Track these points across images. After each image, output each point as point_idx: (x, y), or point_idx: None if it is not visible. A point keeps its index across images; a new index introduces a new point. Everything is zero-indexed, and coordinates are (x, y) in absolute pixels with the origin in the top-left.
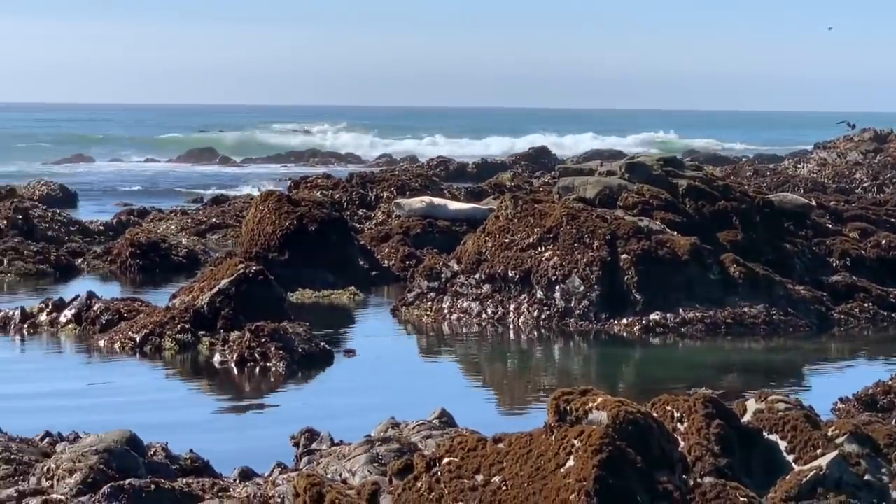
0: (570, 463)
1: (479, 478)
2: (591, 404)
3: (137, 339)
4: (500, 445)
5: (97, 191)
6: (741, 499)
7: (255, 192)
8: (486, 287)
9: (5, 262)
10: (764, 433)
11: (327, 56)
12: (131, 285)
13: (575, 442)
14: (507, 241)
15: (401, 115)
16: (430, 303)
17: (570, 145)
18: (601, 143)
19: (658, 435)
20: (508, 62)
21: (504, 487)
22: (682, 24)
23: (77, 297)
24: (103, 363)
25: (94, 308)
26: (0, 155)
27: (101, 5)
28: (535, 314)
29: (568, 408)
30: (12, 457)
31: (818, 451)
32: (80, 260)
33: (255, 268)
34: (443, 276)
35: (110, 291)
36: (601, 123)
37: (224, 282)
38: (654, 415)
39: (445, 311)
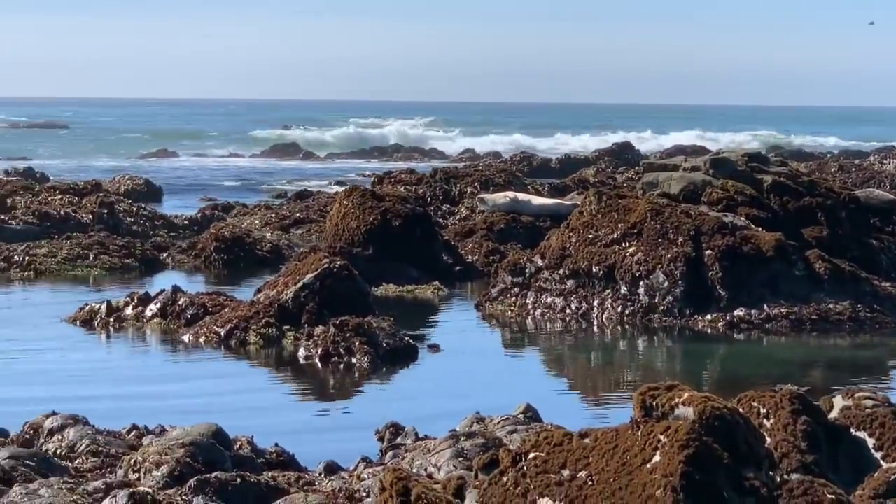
0: (657, 458)
1: (566, 473)
2: (677, 400)
3: (222, 334)
4: (586, 440)
5: (182, 186)
6: (829, 496)
7: (339, 188)
8: (570, 283)
9: (91, 256)
10: (851, 430)
11: (408, 51)
12: (216, 280)
13: (661, 437)
14: (590, 236)
15: (483, 110)
16: (513, 298)
17: (662, 141)
18: (707, 140)
19: (745, 431)
20: (594, 57)
21: (590, 482)
22: (767, 19)
23: (162, 291)
24: (188, 357)
25: (180, 302)
26: (87, 149)
27: (193, 2)
28: (619, 310)
29: (654, 403)
30: (100, 449)
31: None
32: (164, 254)
33: (339, 263)
34: (527, 271)
35: (195, 286)
36: (691, 120)
37: (309, 276)
38: (741, 411)
39: (529, 306)
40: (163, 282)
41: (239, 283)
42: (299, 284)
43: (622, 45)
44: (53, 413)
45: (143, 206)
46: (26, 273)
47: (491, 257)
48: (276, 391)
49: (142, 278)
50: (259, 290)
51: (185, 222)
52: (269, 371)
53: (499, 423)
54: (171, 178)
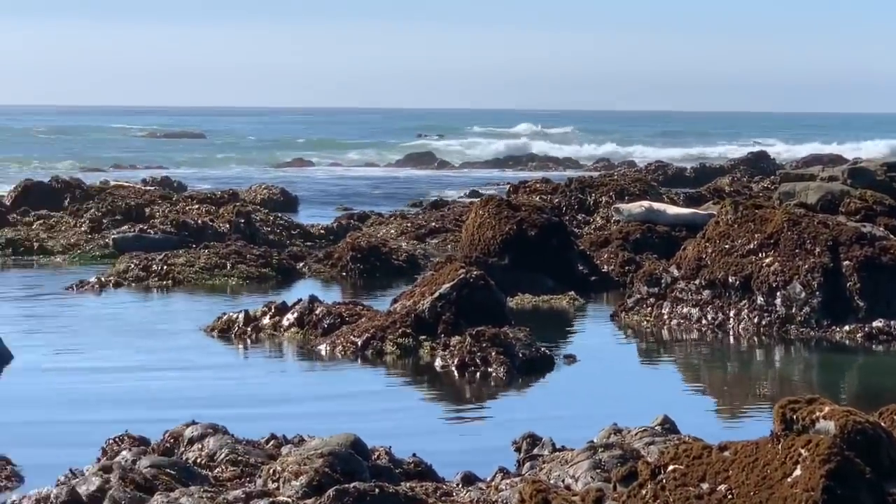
0: (797, 472)
1: (705, 486)
2: (818, 413)
3: (359, 343)
4: (726, 453)
5: (317, 195)
6: None
7: (474, 197)
8: (706, 293)
9: (228, 265)
10: None
11: (543, 59)
12: (352, 289)
13: (802, 451)
14: (727, 246)
15: (617, 118)
16: (649, 308)
17: (796, 151)
18: (844, 149)
19: (888, 445)
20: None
21: (730, 496)
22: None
23: (300, 300)
24: (325, 367)
25: (317, 312)
26: (223, 159)
27: (318, 11)
28: (756, 320)
29: (794, 416)
30: (239, 458)
31: None
32: (301, 264)
33: (475, 272)
34: (662, 281)
35: (331, 295)
36: (823, 129)
37: (445, 286)
38: (883, 425)
39: (665, 316)
40: (299, 291)
41: (375, 292)
42: (436, 294)
43: (749, 54)
44: (193, 422)
45: (279, 215)
46: (164, 282)
47: (626, 267)
48: (412, 401)
49: (278, 288)
50: (395, 300)
51: (322, 232)
52: (405, 381)
53: (636, 434)
54: (307, 188)
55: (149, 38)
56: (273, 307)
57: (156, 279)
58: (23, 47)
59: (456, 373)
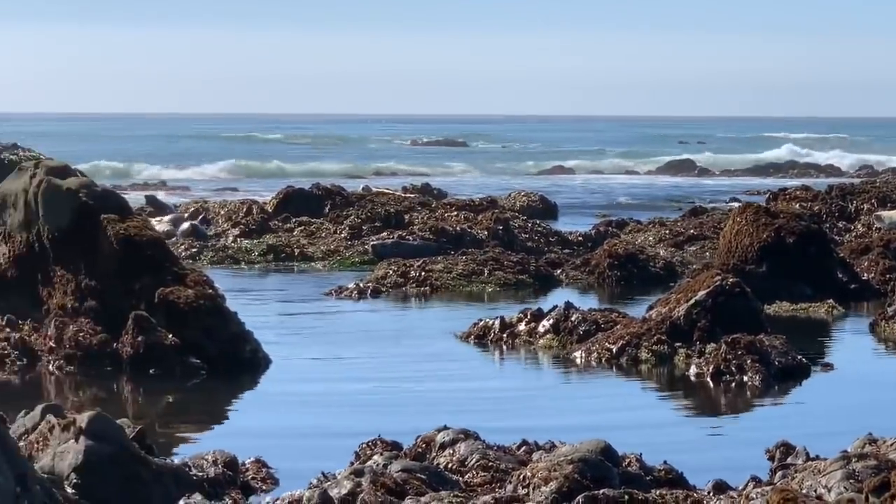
0: None
1: None
2: None
3: (614, 350)
4: None
5: (577, 202)
6: None
7: (734, 204)
8: None
9: (486, 272)
10: None
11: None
12: (609, 296)
13: None
14: None
15: (880, 125)
16: None
17: None
18: None
19: None
20: None
21: None
22: None
23: (555, 307)
24: (580, 374)
25: (572, 318)
26: (486, 167)
27: (584, 19)
28: None
29: None
30: (490, 464)
31: None
32: (558, 271)
33: (731, 280)
34: None
35: (587, 302)
36: None
37: (701, 293)
38: None
39: None
40: (556, 298)
41: (631, 299)
42: (691, 301)
43: None
44: (445, 427)
45: (537, 222)
46: (422, 288)
47: (887, 275)
48: (665, 408)
49: (536, 295)
50: (651, 307)
51: (579, 239)
52: (659, 388)
53: (892, 445)
54: (567, 195)
55: (417, 47)
56: (529, 314)
57: (413, 285)
58: (313, 62)
59: (710, 381)
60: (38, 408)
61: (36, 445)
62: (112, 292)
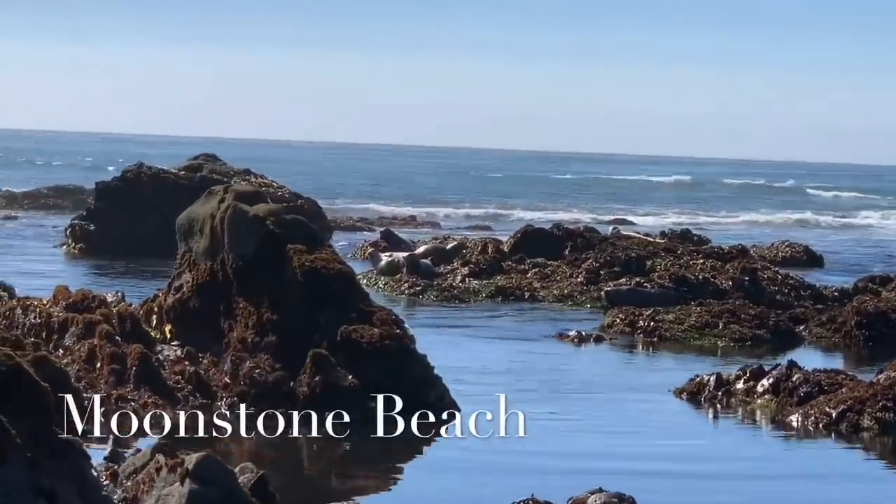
0: None
1: None
2: None
3: (833, 415)
4: None
5: (848, 256)
6: None
7: None
8: None
9: (720, 324)
10: None
11: None
12: (855, 358)
13: None
14: None
15: None
16: None
17: None
18: None
19: None
20: None
21: None
22: None
23: (777, 365)
24: (792, 439)
25: (793, 378)
26: (744, 211)
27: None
28: None
29: None
30: None
31: None
32: (801, 327)
33: None
34: None
35: (829, 363)
36: None
37: None
38: None
39: None
40: (795, 356)
41: (877, 362)
42: None
43: None
44: (600, 490)
45: (789, 273)
46: (649, 339)
47: None
48: (892, 482)
49: (774, 353)
50: (881, 371)
51: (835, 294)
52: (882, 460)
53: None
54: (839, 247)
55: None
56: (748, 371)
57: (640, 335)
58: (492, 95)
59: None
60: (148, 447)
61: (142, 486)
62: (294, 327)
